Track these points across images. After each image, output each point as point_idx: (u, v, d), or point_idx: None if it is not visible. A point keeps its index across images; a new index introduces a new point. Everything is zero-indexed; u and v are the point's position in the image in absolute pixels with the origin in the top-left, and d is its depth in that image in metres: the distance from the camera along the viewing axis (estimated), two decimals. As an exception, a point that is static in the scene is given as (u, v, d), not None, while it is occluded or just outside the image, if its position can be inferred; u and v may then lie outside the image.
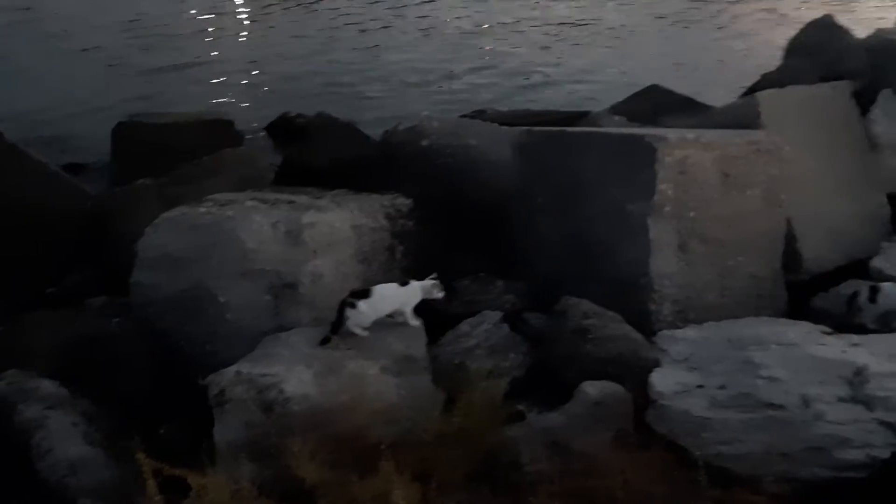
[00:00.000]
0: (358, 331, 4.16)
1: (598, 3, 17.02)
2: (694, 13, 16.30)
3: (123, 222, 5.83)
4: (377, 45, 14.33)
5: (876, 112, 6.07)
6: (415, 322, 4.36)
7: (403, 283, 4.35)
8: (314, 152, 6.88)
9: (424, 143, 5.95)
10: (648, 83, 8.82)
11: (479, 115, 8.47)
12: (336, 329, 4.14)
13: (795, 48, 6.83)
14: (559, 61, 13.48)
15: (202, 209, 4.98)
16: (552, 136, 5.31)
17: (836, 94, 6.04)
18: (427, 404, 3.96)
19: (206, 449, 3.63)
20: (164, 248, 4.81)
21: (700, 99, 8.29)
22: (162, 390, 4.58)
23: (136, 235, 4.92)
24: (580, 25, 15.68)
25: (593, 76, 12.53)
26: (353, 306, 4.13)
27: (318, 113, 8.60)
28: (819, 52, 6.47)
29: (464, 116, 7.99)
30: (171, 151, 7.28)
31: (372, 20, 15.81)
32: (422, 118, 6.34)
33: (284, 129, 9.81)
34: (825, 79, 6.27)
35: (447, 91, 12.06)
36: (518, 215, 5.38)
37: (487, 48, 14.37)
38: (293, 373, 3.90)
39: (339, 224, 4.96)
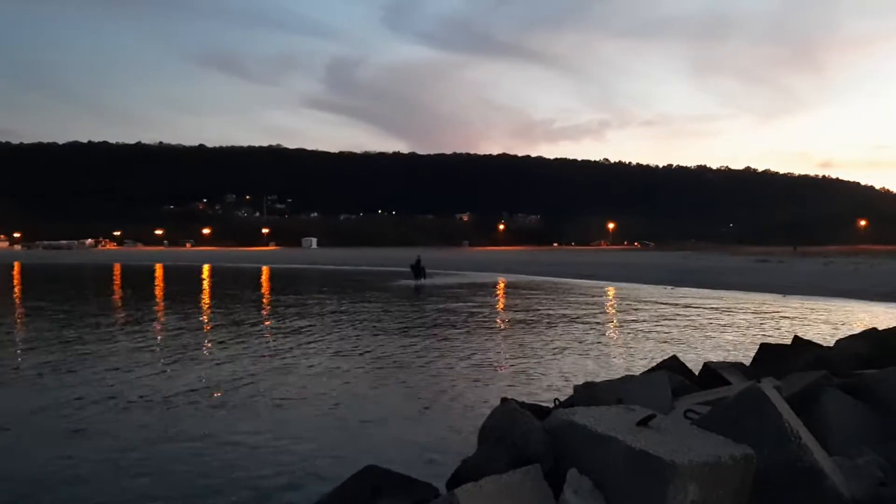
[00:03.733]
0: None
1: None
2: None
3: None
4: None
5: (568, 493, 6.23)
6: None
7: None
8: None
9: None
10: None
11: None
12: None
13: (485, 434, 7.14)
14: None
15: None
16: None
17: (528, 479, 6.22)
18: None
19: None
20: None
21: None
22: None
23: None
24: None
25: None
26: None
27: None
28: (507, 436, 6.77)
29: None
30: None
31: None
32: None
33: None
34: (517, 462, 6.49)
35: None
36: None
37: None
38: None
39: None
